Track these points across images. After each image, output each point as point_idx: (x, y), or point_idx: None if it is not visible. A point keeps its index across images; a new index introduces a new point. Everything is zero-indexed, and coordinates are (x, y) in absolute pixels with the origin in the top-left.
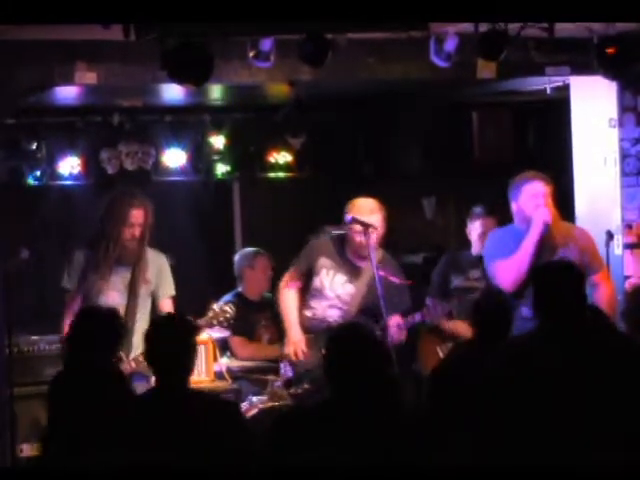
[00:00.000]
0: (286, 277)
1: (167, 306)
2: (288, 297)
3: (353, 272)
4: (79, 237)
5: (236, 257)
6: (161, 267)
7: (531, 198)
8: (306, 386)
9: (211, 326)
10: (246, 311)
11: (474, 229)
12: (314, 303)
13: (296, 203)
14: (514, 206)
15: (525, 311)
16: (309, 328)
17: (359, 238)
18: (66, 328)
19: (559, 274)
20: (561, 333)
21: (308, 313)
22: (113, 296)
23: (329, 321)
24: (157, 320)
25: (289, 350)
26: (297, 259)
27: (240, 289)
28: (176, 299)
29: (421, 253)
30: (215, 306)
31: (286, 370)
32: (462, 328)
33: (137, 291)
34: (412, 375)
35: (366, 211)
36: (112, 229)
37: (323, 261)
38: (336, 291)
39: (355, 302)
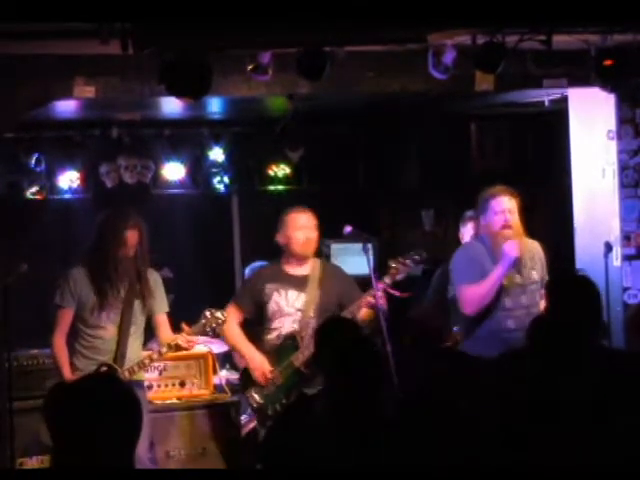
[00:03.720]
0: (227, 313)
1: (163, 320)
2: (232, 329)
3: (300, 283)
4: (79, 251)
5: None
6: (155, 284)
7: (497, 214)
8: (284, 401)
9: (204, 333)
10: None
11: (466, 232)
12: (277, 323)
13: None
14: (481, 220)
15: (510, 323)
16: (272, 348)
17: (298, 247)
18: (56, 343)
19: (576, 288)
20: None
21: (272, 335)
22: (108, 313)
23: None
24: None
25: (256, 376)
26: (236, 296)
27: None
28: (170, 314)
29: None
30: (207, 312)
31: (251, 400)
32: None
33: (131, 308)
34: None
35: (299, 217)
36: (107, 250)
37: (269, 287)
38: (295, 306)
39: (310, 307)
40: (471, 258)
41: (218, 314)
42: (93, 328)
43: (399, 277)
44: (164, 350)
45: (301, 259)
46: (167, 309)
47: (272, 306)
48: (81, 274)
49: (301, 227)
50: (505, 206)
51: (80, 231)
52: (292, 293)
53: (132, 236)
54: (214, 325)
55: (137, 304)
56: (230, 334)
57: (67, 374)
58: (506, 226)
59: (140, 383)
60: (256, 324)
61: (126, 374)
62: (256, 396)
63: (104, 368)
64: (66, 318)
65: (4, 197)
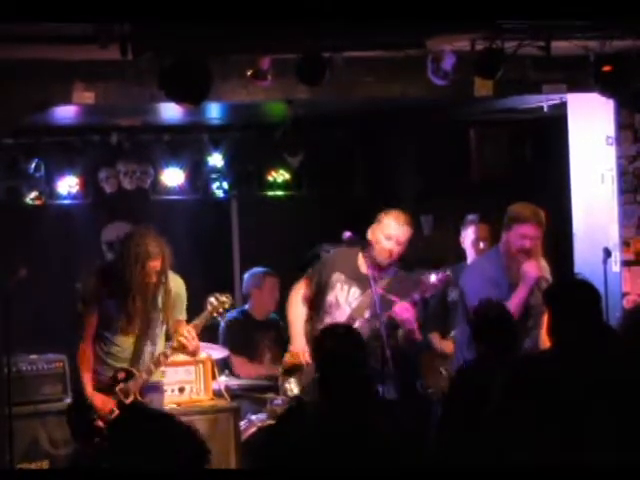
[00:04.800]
0: (298, 285)
1: (179, 327)
2: (297, 307)
3: (366, 282)
4: (77, 256)
5: (246, 276)
6: (177, 291)
7: (519, 239)
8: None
9: (212, 319)
10: (250, 329)
11: (467, 236)
12: (329, 320)
13: (294, 221)
14: (503, 235)
15: (527, 342)
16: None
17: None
18: (81, 352)
19: (576, 292)
20: (576, 350)
21: (321, 325)
22: (128, 325)
23: None
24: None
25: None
26: (311, 270)
27: (247, 307)
28: (186, 323)
29: (419, 270)
30: (212, 298)
31: (287, 390)
32: (450, 347)
33: (151, 321)
34: (417, 392)
35: (394, 226)
36: (129, 276)
37: (337, 276)
38: (351, 305)
39: (361, 308)
40: (487, 279)
41: (223, 298)
42: (114, 335)
43: (427, 294)
44: (174, 344)
45: (374, 263)
46: (183, 317)
47: (331, 298)
48: (100, 285)
49: (390, 237)
50: (530, 233)
51: (79, 236)
52: (355, 291)
53: (155, 265)
54: (221, 310)
55: (156, 317)
56: (292, 308)
57: (88, 390)
58: (524, 251)
59: (157, 385)
60: (313, 308)
61: (144, 375)
62: (292, 386)
63: (121, 374)
64: (90, 325)
65: (3, 202)
